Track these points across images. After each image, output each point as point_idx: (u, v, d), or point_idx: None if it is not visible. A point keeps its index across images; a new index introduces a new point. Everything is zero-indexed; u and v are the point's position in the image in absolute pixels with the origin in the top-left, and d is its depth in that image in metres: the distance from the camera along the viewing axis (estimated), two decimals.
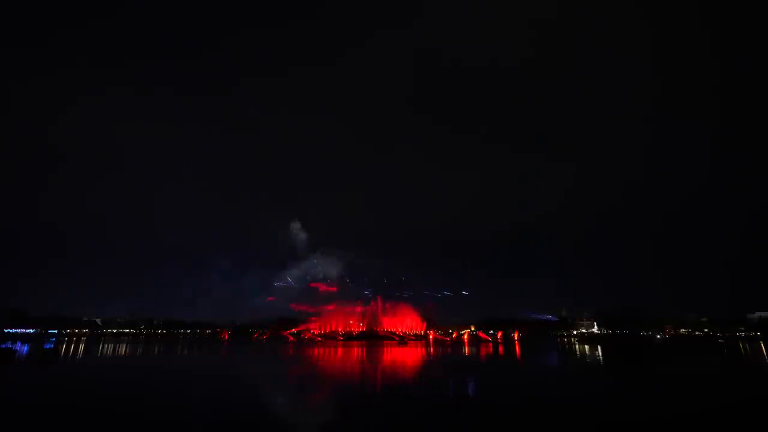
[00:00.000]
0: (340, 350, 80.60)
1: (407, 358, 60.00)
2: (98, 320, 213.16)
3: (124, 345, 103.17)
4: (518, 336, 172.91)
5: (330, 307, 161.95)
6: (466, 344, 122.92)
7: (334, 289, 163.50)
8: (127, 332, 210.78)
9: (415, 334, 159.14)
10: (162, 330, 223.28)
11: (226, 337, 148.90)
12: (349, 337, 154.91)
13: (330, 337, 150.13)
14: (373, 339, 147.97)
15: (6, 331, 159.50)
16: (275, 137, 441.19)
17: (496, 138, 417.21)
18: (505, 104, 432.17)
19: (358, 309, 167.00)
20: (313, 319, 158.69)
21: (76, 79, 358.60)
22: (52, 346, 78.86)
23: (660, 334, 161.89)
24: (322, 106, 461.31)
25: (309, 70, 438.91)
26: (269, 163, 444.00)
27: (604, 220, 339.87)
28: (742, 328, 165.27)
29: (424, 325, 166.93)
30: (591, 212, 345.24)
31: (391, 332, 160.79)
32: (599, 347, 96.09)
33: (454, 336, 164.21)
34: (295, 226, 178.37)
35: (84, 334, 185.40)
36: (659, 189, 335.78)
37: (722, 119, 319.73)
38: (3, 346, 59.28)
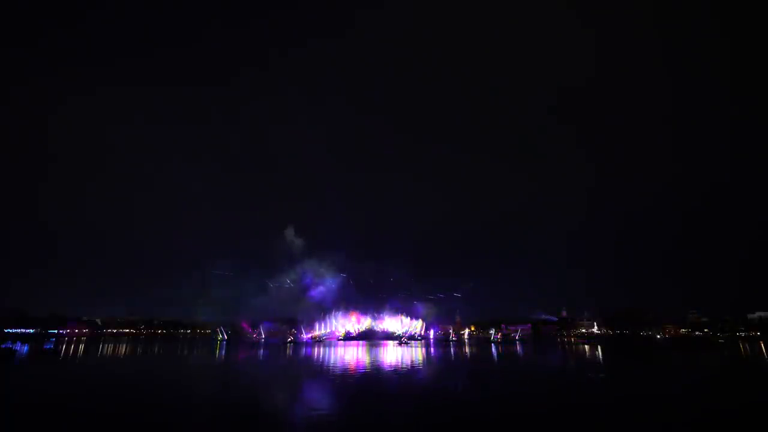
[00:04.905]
0: (338, 350, 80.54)
1: (406, 357, 59.90)
2: (98, 320, 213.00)
3: (124, 345, 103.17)
4: (518, 336, 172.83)
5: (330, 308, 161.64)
6: (466, 344, 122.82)
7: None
8: (127, 332, 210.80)
9: (415, 334, 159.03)
10: (162, 330, 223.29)
11: (225, 338, 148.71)
12: (348, 337, 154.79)
13: (329, 337, 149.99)
14: (372, 339, 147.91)
15: (6, 331, 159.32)
16: (274, 139, 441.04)
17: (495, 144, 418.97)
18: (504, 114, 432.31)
19: (358, 310, 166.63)
20: (313, 319, 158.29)
21: (67, 78, 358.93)
22: (52, 346, 78.82)
23: (660, 334, 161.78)
24: (319, 109, 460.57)
25: (305, 74, 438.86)
26: (268, 166, 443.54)
27: (614, 221, 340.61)
28: (742, 328, 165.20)
29: (424, 325, 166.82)
30: (606, 213, 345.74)
31: (390, 332, 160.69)
32: (599, 347, 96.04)
33: (454, 336, 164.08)
34: (290, 232, 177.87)
35: (84, 334, 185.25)
36: (672, 192, 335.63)
37: (741, 119, 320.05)
38: (3, 346, 59.31)
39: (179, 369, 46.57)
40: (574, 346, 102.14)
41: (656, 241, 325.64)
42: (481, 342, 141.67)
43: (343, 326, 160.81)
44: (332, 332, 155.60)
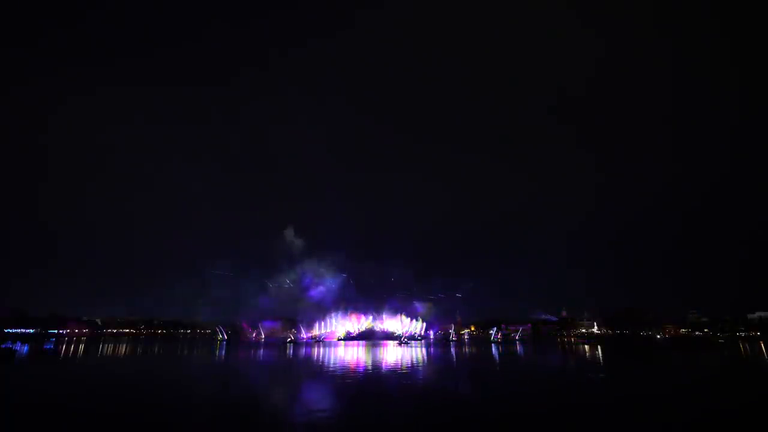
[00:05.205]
0: (338, 350, 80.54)
1: (406, 357, 59.90)
2: (98, 320, 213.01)
3: (124, 345, 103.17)
4: (518, 336, 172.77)
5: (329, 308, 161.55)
6: (466, 344, 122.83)
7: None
8: (127, 332, 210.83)
9: (416, 334, 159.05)
10: (162, 330, 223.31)
11: (225, 338, 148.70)
12: (348, 337, 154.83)
13: (328, 337, 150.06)
14: (372, 339, 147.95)
15: (6, 331, 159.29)
16: (274, 139, 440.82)
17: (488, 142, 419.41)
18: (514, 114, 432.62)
19: (358, 310, 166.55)
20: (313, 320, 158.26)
21: (67, 78, 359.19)
22: (52, 346, 78.79)
23: (660, 334, 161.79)
24: (317, 112, 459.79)
25: (305, 74, 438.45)
26: (268, 166, 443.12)
27: (614, 221, 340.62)
28: (742, 328, 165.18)
29: (424, 325, 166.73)
30: (608, 213, 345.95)
31: (390, 332, 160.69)
32: (599, 347, 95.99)
33: (454, 336, 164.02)
34: (290, 232, 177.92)
35: (84, 334, 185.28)
36: (672, 192, 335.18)
37: (741, 120, 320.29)
38: (3, 346, 59.32)
39: (179, 369, 46.57)
40: (574, 346, 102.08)
41: (656, 241, 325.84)
42: (481, 342, 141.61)
43: (343, 326, 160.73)
44: (332, 332, 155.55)
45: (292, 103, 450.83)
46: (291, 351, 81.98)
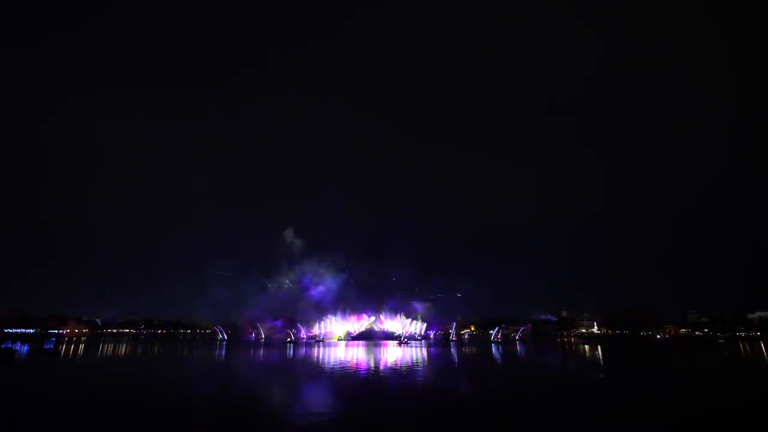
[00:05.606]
0: (338, 350, 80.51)
1: (406, 357, 59.91)
2: (98, 320, 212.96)
3: (124, 345, 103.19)
4: (518, 336, 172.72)
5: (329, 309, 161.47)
6: (466, 344, 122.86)
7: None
8: (127, 332, 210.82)
9: (416, 334, 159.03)
10: (162, 330, 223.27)
11: (225, 338, 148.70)
12: (348, 337, 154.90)
13: (329, 338, 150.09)
14: (372, 339, 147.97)
15: (6, 331, 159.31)
16: (274, 139, 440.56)
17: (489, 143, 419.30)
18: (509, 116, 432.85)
19: (358, 310, 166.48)
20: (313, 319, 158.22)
21: (67, 78, 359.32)
22: (52, 346, 78.81)
23: (660, 334, 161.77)
24: (318, 112, 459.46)
25: (305, 74, 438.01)
26: (268, 166, 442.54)
27: (614, 221, 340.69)
28: (742, 328, 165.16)
29: (424, 325, 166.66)
30: (608, 213, 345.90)
31: (390, 332, 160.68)
32: (599, 347, 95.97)
33: (454, 336, 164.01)
34: (289, 233, 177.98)
35: (84, 334, 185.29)
36: (672, 192, 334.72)
37: (741, 120, 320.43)
38: (3, 346, 59.33)
39: (179, 369, 46.56)
40: (574, 346, 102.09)
41: (656, 241, 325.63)
42: (481, 342, 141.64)
43: (343, 326, 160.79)
44: (332, 332, 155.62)
45: (292, 103, 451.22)
46: (291, 351, 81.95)
